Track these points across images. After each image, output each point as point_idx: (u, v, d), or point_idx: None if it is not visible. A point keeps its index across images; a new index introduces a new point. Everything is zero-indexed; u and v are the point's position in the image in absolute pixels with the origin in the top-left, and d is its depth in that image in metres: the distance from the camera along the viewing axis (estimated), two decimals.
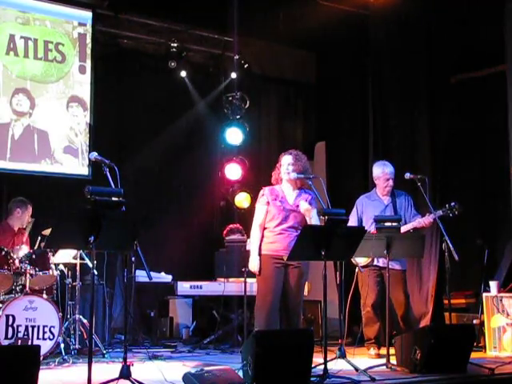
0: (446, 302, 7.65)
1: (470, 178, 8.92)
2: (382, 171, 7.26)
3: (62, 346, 6.56)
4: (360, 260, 6.83)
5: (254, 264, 6.03)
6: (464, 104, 8.93)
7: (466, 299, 8.40)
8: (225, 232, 8.67)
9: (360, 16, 9.05)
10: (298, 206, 6.12)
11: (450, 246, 6.74)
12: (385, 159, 8.72)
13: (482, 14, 8.33)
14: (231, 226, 8.76)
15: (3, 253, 6.60)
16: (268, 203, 6.09)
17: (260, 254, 6.05)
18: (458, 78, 9.01)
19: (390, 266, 6.47)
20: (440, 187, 8.47)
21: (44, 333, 6.46)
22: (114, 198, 4.98)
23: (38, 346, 4.53)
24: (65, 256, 7.02)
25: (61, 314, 6.65)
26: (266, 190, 6.16)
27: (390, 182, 7.24)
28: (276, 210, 6.06)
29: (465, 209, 8.60)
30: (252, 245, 6.10)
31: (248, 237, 7.74)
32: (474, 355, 6.13)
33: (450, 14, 8.54)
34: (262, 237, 6.09)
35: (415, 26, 8.77)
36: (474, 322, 7.58)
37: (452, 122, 8.92)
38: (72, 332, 6.90)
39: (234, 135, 9.73)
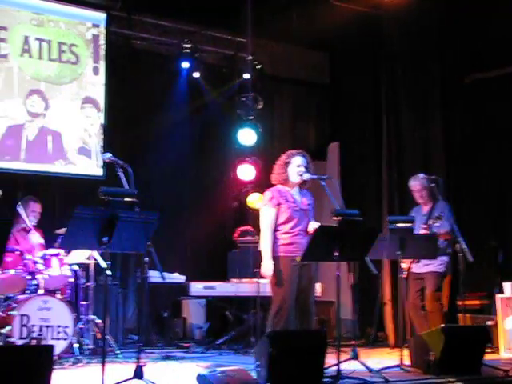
0: (459, 303, 7.62)
1: (483, 178, 8.87)
2: (410, 185, 7.44)
3: (76, 346, 6.59)
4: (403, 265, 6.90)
5: (267, 268, 5.86)
6: (478, 104, 8.89)
7: (479, 300, 8.36)
8: (236, 235, 8.66)
9: (373, 16, 9.03)
10: (308, 204, 6.08)
11: (464, 246, 6.72)
12: (398, 160, 8.76)
13: (495, 14, 8.30)
14: (242, 228, 8.75)
15: (17, 253, 6.64)
16: (278, 205, 5.96)
17: (274, 257, 5.92)
18: (471, 78, 8.97)
19: (420, 270, 6.99)
20: (454, 188, 8.44)
21: (58, 333, 6.49)
22: (127, 199, 5.00)
23: (52, 346, 4.55)
24: (78, 256, 7.04)
25: (74, 314, 6.68)
26: (274, 192, 6.02)
27: (417, 195, 7.37)
28: (291, 211, 5.96)
29: (478, 209, 8.61)
30: (264, 248, 5.93)
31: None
32: (487, 357, 6.11)
33: (464, 14, 8.51)
34: (275, 239, 5.99)
35: (429, 26, 8.74)
36: (488, 323, 7.54)
37: (466, 122, 8.89)
38: (86, 332, 6.93)
39: (247, 136, 9.73)
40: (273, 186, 6.14)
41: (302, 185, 6.10)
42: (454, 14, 8.58)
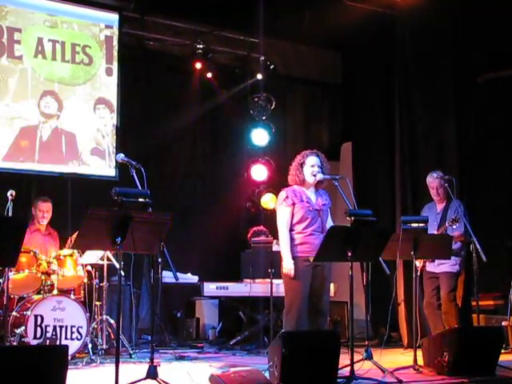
0: (473, 303, 7.58)
1: (497, 177, 8.83)
2: (427, 180, 7.48)
3: (90, 346, 6.61)
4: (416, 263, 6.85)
5: (289, 267, 5.87)
6: (491, 104, 8.85)
7: (494, 301, 8.32)
8: (249, 235, 8.66)
9: (386, 16, 8.99)
10: (323, 205, 6.08)
11: (478, 246, 6.70)
12: (411, 159, 8.72)
13: (508, 13, 8.25)
14: (256, 228, 8.75)
15: (32, 254, 6.67)
16: (293, 204, 5.99)
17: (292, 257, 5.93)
18: (484, 78, 8.93)
19: (435, 270, 7.14)
20: (467, 188, 8.40)
21: (72, 333, 6.53)
22: (140, 199, 5.02)
23: (66, 346, 4.57)
24: (92, 257, 7.07)
25: (88, 314, 6.71)
26: (289, 192, 6.04)
27: (433, 191, 7.42)
28: (304, 211, 5.97)
29: (492, 209, 8.56)
30: (283, 248, 5.95)
31: (275, 238, 7.74)
32: (502, 357, 6.06)
33: (477, 13, 8.46)
34: (290, 239, 5.99)
35: (441, 26, 8.70)
36: (503, 323, 7.50)
37: (479, 121, 8.85)
38: (99, 332, 6.95)
39: (259, 136, 9.74)
40: (289, 186, 6.15)
41: (318, 185, 6.11)
42: (467, 13, 8.54)
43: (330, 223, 6.13)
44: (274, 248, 7.75)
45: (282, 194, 6.09)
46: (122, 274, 6.42)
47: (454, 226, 6.95)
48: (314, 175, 6.02)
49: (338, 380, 5.20)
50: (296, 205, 5.99)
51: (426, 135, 8.80)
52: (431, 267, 7.28)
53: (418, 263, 7.05)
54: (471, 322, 7.68)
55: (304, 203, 5.99)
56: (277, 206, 6.18)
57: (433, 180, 7.40)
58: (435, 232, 7.16)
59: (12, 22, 8.29)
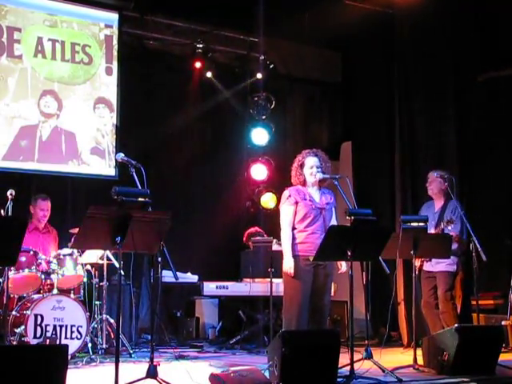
0: (473, 302, 7.59)
1: (497, 176, 8.82)
2: (428, 176, 7.50)
3: (90, 345, 6.62)
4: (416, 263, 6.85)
5: (289, 266, 5.89)
6: (491, 102, 8.84)
7: (494, 300, 8.31)
8: (245, 238, 8.64)
9: (385, 15, 9.00)
10: (326, 204, 6.09)
11: (478, 246, 6.69)
12: (411, 158, 8.73)
13: (509, 12, 8.25)
14: (250, 230, 8.71)
15: (31, 253, 6.67)
16: (296, 203, 6.01)
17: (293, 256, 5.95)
18: (484, 77, 8.92)
19: (432, 269, 7.15)
20: (467, 187, 8.40)
21: (72, 332, 6.53)
22: (140, 199, 5.02)
23: (66, 346, 4.57)
24: (92, 256, 7.07)
25: (88, 313, 6.71)
26: (292, 190, 6.08)
27: (430, 186, 7.45)
28: (307, 209, 5.99)
29: (492, 208, 8.56)
30: (285, 246, 5.98)
31: (274, 238, 7.74)
32: (502, 357, 6.07)
33: (477, 12, 8.47)
34: (292, 237, 6.00)
35: (441, 25, 8.71)
36: (503, 323, 7.50)
37: (479, 120, 8.85)
38: (99, 332, 6.95)
39: (259, 135, 9.75)
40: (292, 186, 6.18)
41: (321, 183, 6.12)
42: (466, 12, 8.54)
43: (334, 222, 6.13)
44: (274, 247, 7.75)
45: (286, 192, 6.12)
46: (122, 273, 6.41)
47: (450, 227, 6.95)
48: (314, 175, 6.04)
49: (338, 379, 5.20)
50: (299, 203, 6.02)
51: (426, 135, 8.80)
52: (428, 266, 7.28)
53: (416, 262, 7.05)
54: (471, 322, 7.67)
55: (307, 201, 6.01)
56: (280, 204, 6.20)
57: (433, 178, 7.41)
58: (433, 231, 7.16)
59: (12, 21, 8.29)
